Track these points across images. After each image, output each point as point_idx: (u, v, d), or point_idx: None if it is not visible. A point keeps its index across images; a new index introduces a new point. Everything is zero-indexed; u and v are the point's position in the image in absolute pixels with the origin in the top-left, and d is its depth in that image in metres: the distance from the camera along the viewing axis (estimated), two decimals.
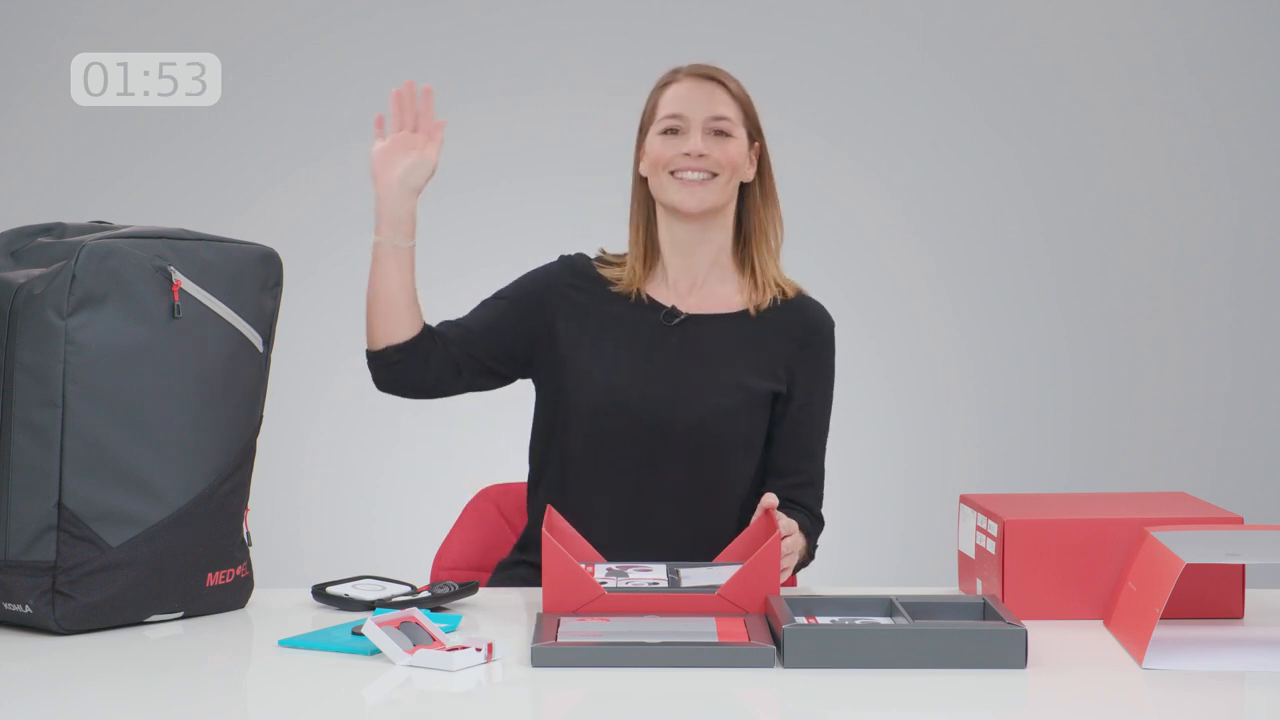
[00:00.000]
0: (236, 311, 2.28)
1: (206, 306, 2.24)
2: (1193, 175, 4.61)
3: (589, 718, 1.93)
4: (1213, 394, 4.62)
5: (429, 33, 4.58)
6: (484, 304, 2.71)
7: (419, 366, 2.63)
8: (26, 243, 2.24)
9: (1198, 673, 2.01)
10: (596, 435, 2.61)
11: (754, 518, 2.45)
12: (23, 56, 4.56)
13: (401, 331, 2.61)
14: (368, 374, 4.47)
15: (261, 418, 2.36)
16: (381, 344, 2.63)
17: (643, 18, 4.55)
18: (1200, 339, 4.62)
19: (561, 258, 2.74)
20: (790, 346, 2.67)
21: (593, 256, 2.74)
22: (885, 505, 4.61)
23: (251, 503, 2.35)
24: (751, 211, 2.72)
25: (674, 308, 2.67)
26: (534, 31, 4.57)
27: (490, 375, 2.69)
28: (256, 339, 2.32)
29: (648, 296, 2.68)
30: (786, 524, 2.41)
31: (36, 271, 2.16)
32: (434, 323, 2.67)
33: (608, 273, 2.70)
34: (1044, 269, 4.63)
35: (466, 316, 2.70)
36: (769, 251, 2.71)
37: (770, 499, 2.40)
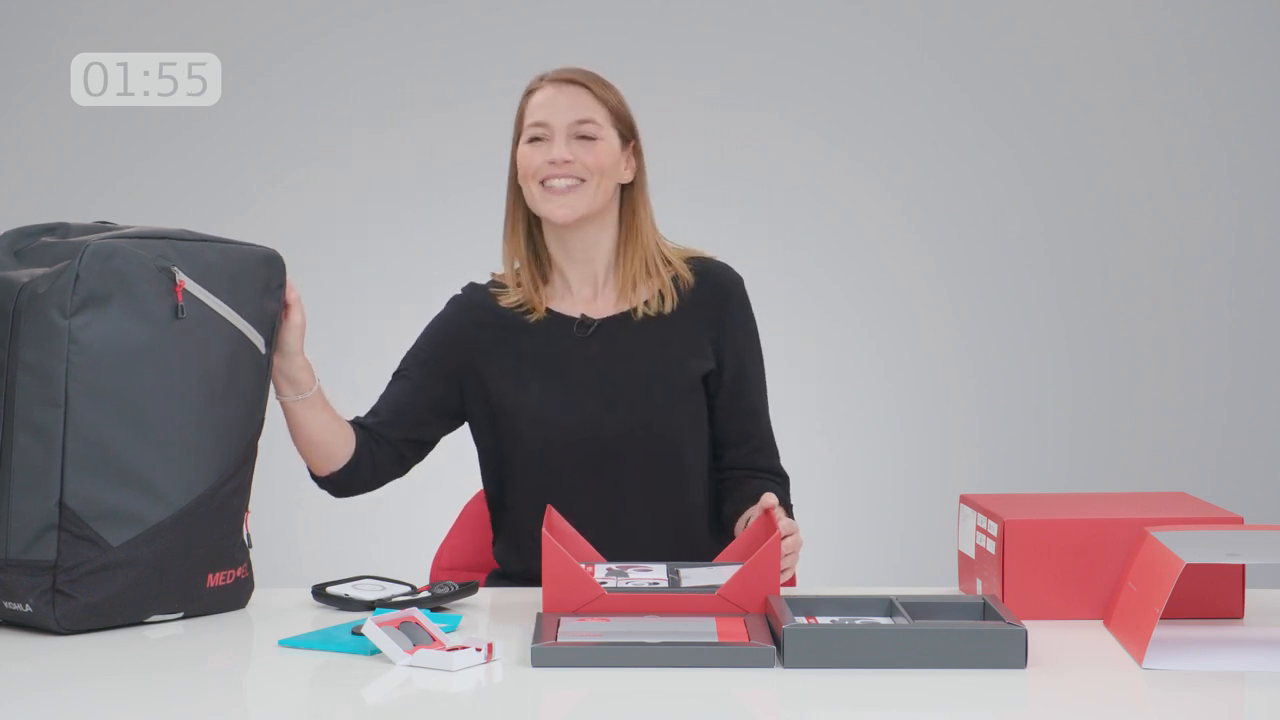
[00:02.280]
0: (239, 313, 2.28)
1: (209, 307, 2.24)
2: (1193, 175, 4.61)
3: (589, 718, 1.93)
4: (1213, 394, 4.63)
5: (429, 33, 4.59)
6: (398, 379, 2.69)
7: (367, 476, 2.64)
8: (30, 242, 2.24)
9: (1198, 673, 2.01)
10: (544, 463, 2.61)
11: (754, 518, 2.45)
12: (23, 56, 4.56)
13: (338, 459, 2.60)
14: (367, 374, 4.46)
15: (263, 419, 2.36)
16: (321, 473, 2.63)
17: (643, 18, 4.55)
18: (1200, 339, 4.62)
19: (453, 299, 2.71)
20: (708, 319, 2.65)
21: (485, 282, 2.72)
22: (885, 505, 4.61)
23: (252, 504, 2.35)
24: (627, 215, 2.66)
25: (584, 317, 2.65)
26: (534, 31, 4.57)
27: (432, 445, 2.70)
28: (259, 340, 2.32)
29: (553, 312, 2.65)
30: (786, 524, 2.41)
31: (40, 271, 2.16)
32: (363, 409, 2.67)
33: (507, 300, 2.67)
34: (1044, 269, 4.63)
35: (390, 399, 2.67)
36: (639, 257, 2.63)
37: (770, 499, 2.40)
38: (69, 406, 2.14)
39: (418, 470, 4.71)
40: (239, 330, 2.28)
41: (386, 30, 4.58)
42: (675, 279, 2.66)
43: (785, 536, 2.37)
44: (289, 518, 4.50)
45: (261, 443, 2.35)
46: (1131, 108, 4.60)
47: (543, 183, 2.59)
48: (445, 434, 2.71)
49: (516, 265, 2.68)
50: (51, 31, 4.54)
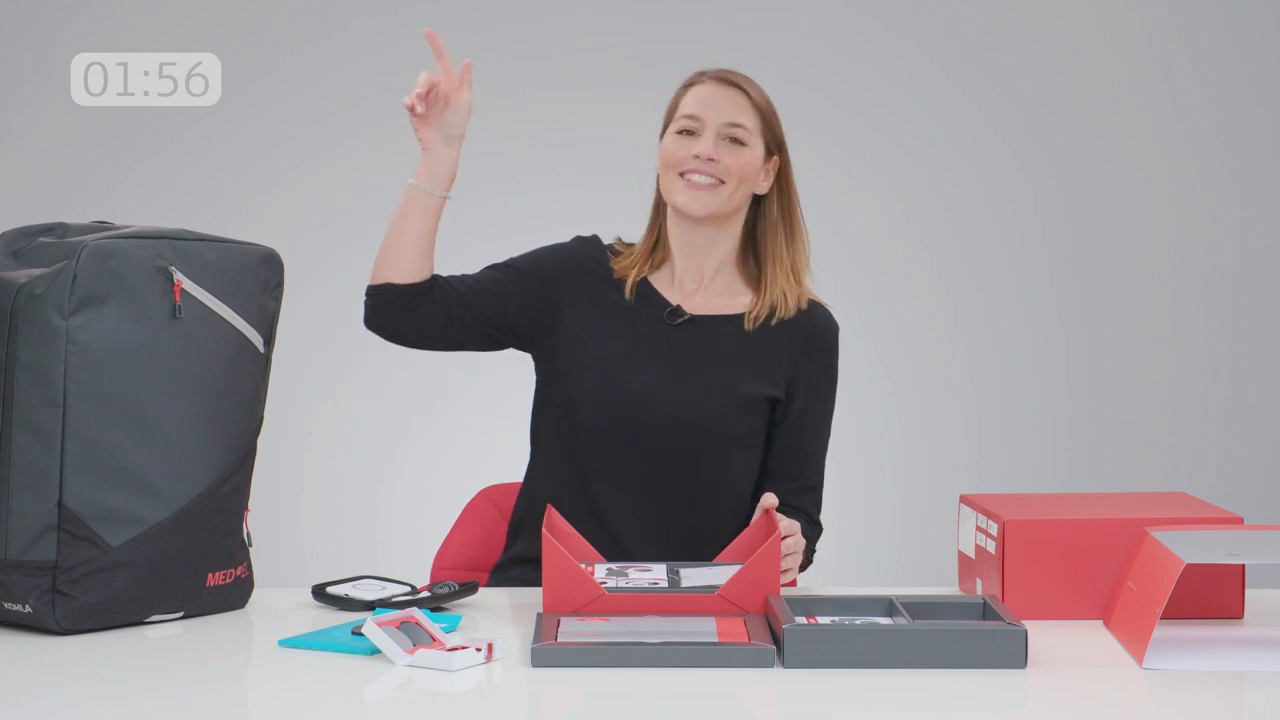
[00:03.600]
0: (238, 312, 2.28)
1: (207, 307, 2.24)
2: (1193, 175, 4.61)
3: (589, 718, 1.93)
4: (1213, 394, 4.63)
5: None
6: (495, 267, 2.70)
7: (408, 313, 2.61)
8: (28, 242, 2.24)
9: (1198, 673, 2.01)
10: (591, 425, 2.61)
11: (754, 518, 2.45)
12: (23, 56, 4.56)
13: (404, 275, 2.60)
14: (368, 374, 4.46)
15: (262, 418, 2.36)
16: (380, 280, 2.62)
17: (643, 18, 4.55)
18: (1200, 339, 4.62)
19: (577, 238, 2.74)
20: (792, 352, 2.66)
21: (607, 243, 2.74)
22: (885, 505, 4.61)
23: (251, 503, 2.35)
24: (766, 226, 2.69)
25: (678, 307, 2.67)
26: (534, 32, 4.58)
27: (481, 338, 2.67)
28: (257, 339, 2.32)
29: (654, 291, 2.67)
30: (787, 524, 2.41)
31: (38, 271, 2.16)
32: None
33: (616, 264, 2.70)
34: (1044, 269, 4.63)
35: (475, 275, 2.68)
36: (782, 270, 2.67)
37: (770, 499, 2.41)
38: (67, 407, 2.14)
39: (417, 470, 4.70)
40: (237, 330, 2.28)
41: (386, 30, 4.58)
42: (796, 311, 2.66)
43: (786, 536, 2.37)
44: (289, 518, 4.51)
45: (261, 441, 2.35)
46: (1132, 108, 4.60)
47: (682, 174, 2.62)
48: (499, 340, 2.69)
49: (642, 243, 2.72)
50: (51, 31, 4.54)
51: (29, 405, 2.14)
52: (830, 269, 4.57)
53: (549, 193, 4.54)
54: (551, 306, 2.67)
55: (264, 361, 2.35)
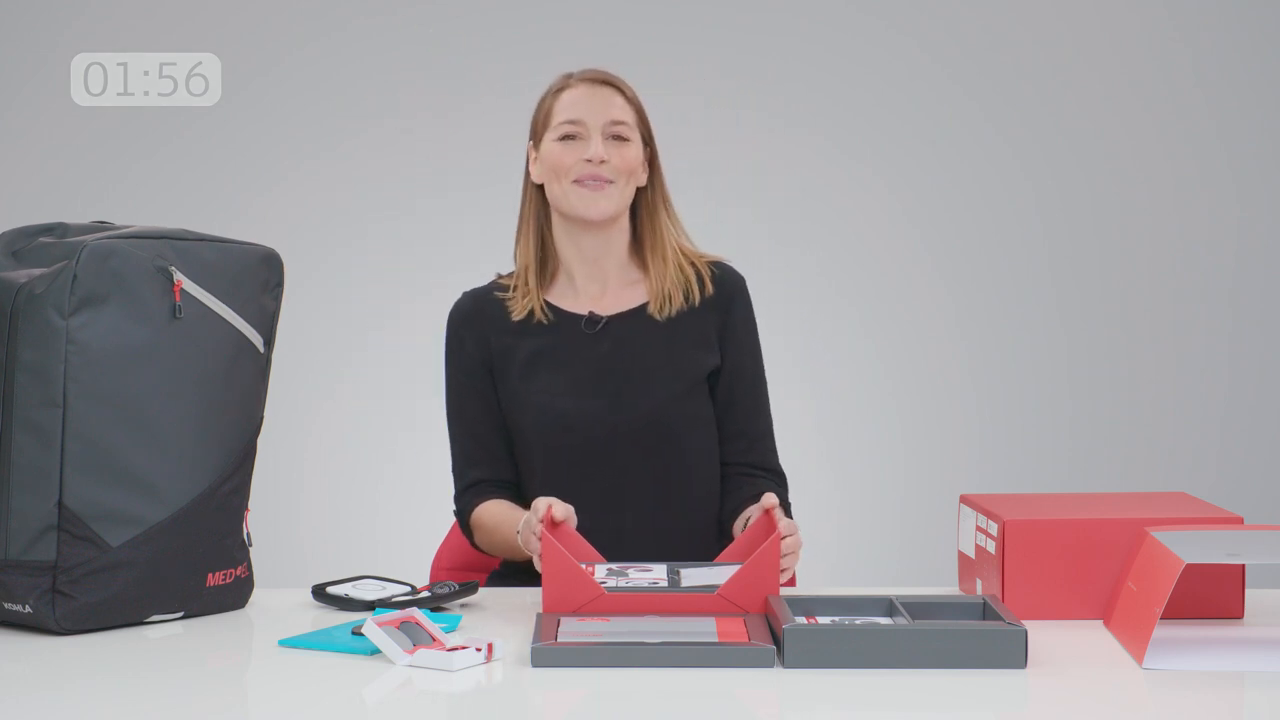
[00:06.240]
0: (238, 312, 2.28)
1: (207, 307, 2.24)
2: (1193, 175, 4.61)
3: (589, 718, 1.93)
4: (1213, 394, 4.62)
5: (429, 33, 4.58)
6: (465, 423, 2.68)
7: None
8: (28, 242, 2.24)
9: (1198, 673, 2.01)
10: (549, 455, 2.62)
11: (754, 518, 2.46)
12: (23, 56, 4.55)
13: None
14: (368, 374, 4.46)
15: (262, 418, 2.36)
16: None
17: (643, 18, 4.55)
18: (1200, 339, 4.62)
19: (453, 316, 2.70)
20: (713, 317, 2.68)
21: (487, 283, 2.72)
22: (885, 505, 4.61)
23: (251, 503, 2.35)
24: (645, 217, 2.69)
25: (592, 314, 2.66)
26: (534, 32, 4.57)
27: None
28: (257, 339, 2.32)
29: (560, 310, 2.67)
30: (787, 524, 2.41)
31: (38, 271, 2.17)
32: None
33: (515, 310, 2.67)
34: (1044, 269, 4.63)
35: (480, 442, 2.67)
36: (665, 258, 2.67)
37: (770, 499, 2.41)
38: (67, 407, 2.14)
39: (417, 470, 4.70)
40: (237, 329, 2.28)
41: (386, 30, 4.58)
42: (699, 280, 2.69)
43: (785, 537, 2.37)
44: (289, 518, 4.51)
45: (261, 441, 2.35)
46: (1132, 108, 4.60)
47: (576, 181, 2.61)
48: None
49: (524, 266, 2.69)
50: (51, 31, 4.54)
51: (29, 405, 2.14)
52: (830, 269, 4.61)
53: None
54: (491, 369, 2.67)
55: (264, 361, 2.35)
